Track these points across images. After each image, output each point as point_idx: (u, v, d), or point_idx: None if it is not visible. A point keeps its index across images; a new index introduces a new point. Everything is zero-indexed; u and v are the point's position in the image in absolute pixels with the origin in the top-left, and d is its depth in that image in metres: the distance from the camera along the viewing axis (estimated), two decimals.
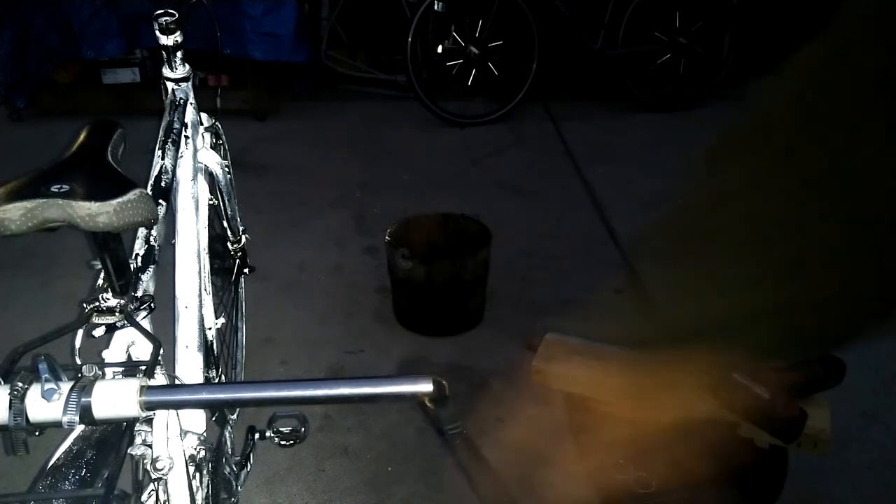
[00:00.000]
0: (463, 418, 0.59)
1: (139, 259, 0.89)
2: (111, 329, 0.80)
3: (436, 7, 3.58)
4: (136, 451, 0.75)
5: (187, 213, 1.16)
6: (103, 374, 0.63)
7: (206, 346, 1.11)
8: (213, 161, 1.37)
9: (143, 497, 0.78)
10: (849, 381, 1.29)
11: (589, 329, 1.33)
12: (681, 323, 0.45)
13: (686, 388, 0.46)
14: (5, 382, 0.58)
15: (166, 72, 1.29)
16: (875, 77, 0.38)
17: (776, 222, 0.41)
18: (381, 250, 2.50)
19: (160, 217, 0.93)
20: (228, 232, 1.56)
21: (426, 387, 0.59)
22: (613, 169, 3.31)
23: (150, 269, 0.89)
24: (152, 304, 0.85)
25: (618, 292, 0.65)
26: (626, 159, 3.43)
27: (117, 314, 0.79)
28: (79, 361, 0.75)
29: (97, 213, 0.70)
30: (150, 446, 0.77)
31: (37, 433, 0.58)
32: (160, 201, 0.96)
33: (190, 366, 1.03)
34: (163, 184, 1.01)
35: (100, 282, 0.81)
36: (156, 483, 0.79)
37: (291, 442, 1.24)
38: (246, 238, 1.65)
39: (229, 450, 1.17)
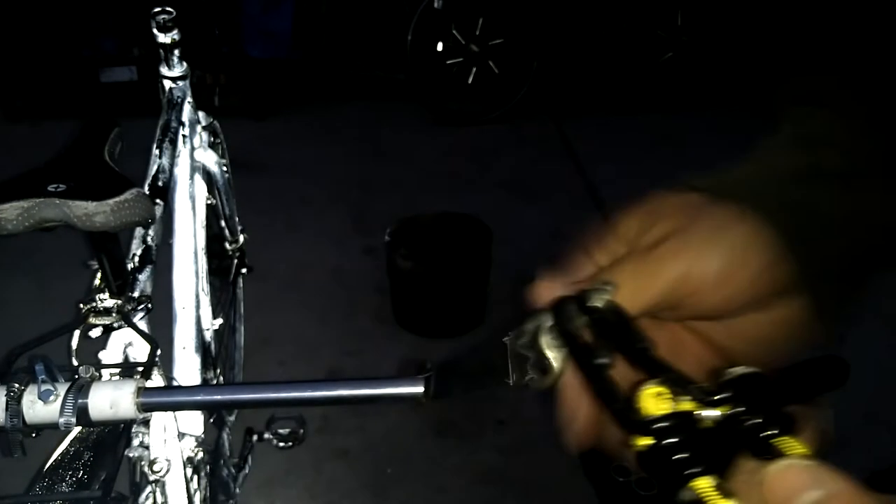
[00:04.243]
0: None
1: (136, 259, 0.88)
2: (108, 330, 0.79)
3: (435, 5, 3.57)
4: (134, 452, 0.74)
5: (185, 212, 1.15)
6: (100, 375, 0.62)
7: (203, 347, 1.11)
8: (211, 160, 1.36)
9: (141, 499, 0.77)
10: (851, 382, 1.29)
11: None
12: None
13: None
14: (1, 384, 0.57)
15: (164, 70, 1.29)
16: None
17: None
18: (381, 250, 2.49)
19: (157, 217, 0.93)
20: (226, 231, 1.55)
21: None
22: (616, 168, 3.30)
23: (148, 270, 0.88)
24: (149, 305, 0.84)
25: None
26: (629, 159, 3.42)
27: (114, 315, 0.78)
28: (75, 362, 0.74)
29: (94, 212, 0.69)
30: (147, 448, 0.76)
31: (33, 435, 0.58)
32: (157, 201, 0.96)
33: (187, 367, 1.03)
34: (160, 183, 1.00)
35: (96, 282, 0.80)
36: (153, 485, 0.78)
37: (290, 444, 1.23)
38: (244, 238, 1.64)
39: (227, 452, 1.17)
